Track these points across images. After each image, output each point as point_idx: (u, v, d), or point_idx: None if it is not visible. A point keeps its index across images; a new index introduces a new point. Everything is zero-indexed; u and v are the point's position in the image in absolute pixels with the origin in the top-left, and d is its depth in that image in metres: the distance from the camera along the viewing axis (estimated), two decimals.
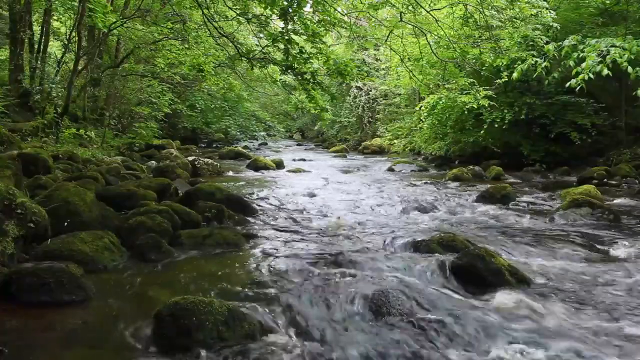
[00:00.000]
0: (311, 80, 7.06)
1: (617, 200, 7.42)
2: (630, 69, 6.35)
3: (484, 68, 10.40)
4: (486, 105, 10.67)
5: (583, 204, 6.14)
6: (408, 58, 9.74)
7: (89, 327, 2.67)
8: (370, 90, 24.81)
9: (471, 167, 11.39)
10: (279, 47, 6.90)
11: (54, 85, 11.12)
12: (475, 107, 11.20)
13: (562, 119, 12.08)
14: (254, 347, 2.48)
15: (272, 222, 5.69)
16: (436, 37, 9.04)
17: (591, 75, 6.37)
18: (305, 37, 6.84)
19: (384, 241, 4.70)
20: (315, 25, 6.75)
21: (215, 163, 11.78)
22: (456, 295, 3.30)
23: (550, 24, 7.61)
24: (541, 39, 7.87)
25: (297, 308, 2.92)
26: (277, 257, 4.12)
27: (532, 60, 7.64)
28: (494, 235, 5.11)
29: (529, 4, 7.25)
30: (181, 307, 2.53)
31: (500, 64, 8.64)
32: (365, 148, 22.35)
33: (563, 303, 3.16)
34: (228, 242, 4.41)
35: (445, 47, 10.36)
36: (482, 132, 12.55)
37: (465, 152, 13.94)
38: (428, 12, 7.79)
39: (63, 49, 13.04)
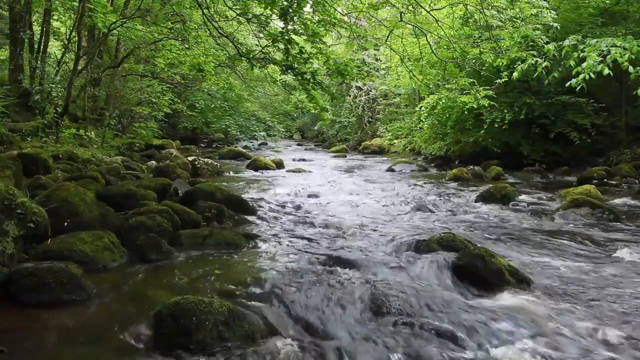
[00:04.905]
0: (311, 80, 7.05)
1: (617, 200, 7.42)
2: (631, 69, 6.34)
3: (484, 68, 10.39)
4: (486, 105, 10.67)
5: (583, 204, 6.14)
6: (408, 58, 9.73)
7: (89, 327, 2.67)
8: (370, 90, 24.81)
9: (471, 167, 11.38)
10: (279, 47, 6.89)
11: (54, 85, 11.09)
12: (475, 107, 11.20)
13: (562, 119, 12.09)
14: (254, 347, 2.48)
15: (272, 222, 5.68)
16: (436, 37, 9.03)
17: (592, 75, 6.36)
18: (305, 37, 6.83)
19: (384, 241, 4.70)
20: (315, 25, 6.73)
21: (215, 163, 11.77)
22: (456, 295, 3.30)
23: (551, 24, 7.60)
24: (541, 39, 7.86)
25: (297, 308, 2.92)
26: (277, 257, 4.12)
27: (532, 60, 7.63)
28: (494, 235, 5.11)
29: (529, 4, 7.24)
30: (181, 307, 2.53)
31: (500, 64, 8.61)
32: (365, 148, 22.35)
33: (563, 303, 3.16)
34: (228, 242, 4.41)
35: (445, 47, 10.35)
36: (482, 132, 12.56)
37: (465, 152, 13.94)
38: (428, 12, 7.77)
39: (63, 49, 13.02)
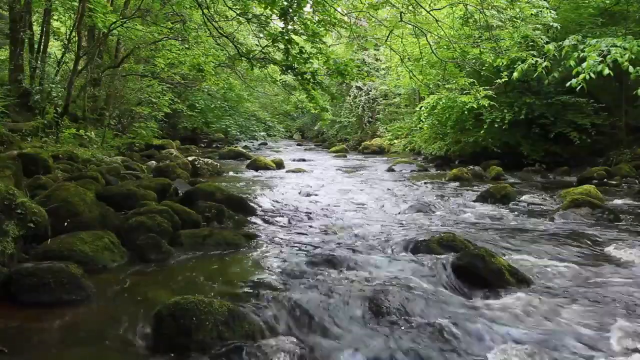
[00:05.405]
0: (311, 80, 7.04)
1: (617, 200, 7.42)
2: (631, 69, 6.34)
3: (484, 68, 10.39)
4: (486, 105, 10.66)
5: (583, 204, 6.14)
6: (408, 58, 9.72)
7: (89, 327, 2.67)
8: (370, 90, 24.81)
9: (471, 167, 11.38)
10: (279, 47, 6.89)
11: (54, 85, 11.08)
12: (475, 107, 11.20)
13: (562, 119, 12.09)
14: (254, 347, 2.48)
15: (272, 222, 5.69)
16: (436, 37, 9.02)
17: (592, 75, 6.36)
18: (305, 37, 6.83)
19: (384, 241, 4.70)
20: (315, 25, 6.73)
21: (215, 163, 11.78)
22: (456, 296, 3.30)
23: (551, 24, 7.59)
24: (541, 39, 7.85)
25: (297, 308, 2.92)
26: (277, 257, 4.12)
27: (532, 60, 7.63)
28: (494, 235, 5.11)
29: (529, 3, 7.23)
30: (181, 307, 2.53)
31: (500, 64, 8.61)
32: (365, 148, 22.36)
33: (563, 303, 3.16)
34: (228, 242, 4.42)
35: (445, 47, 10.35)
36: (482, 132, 12.56)
37: (465, 152, 13.95)
38: (428, 12, 7.77)
39: (63, 49, 13.02)
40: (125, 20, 10.46)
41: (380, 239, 4.79)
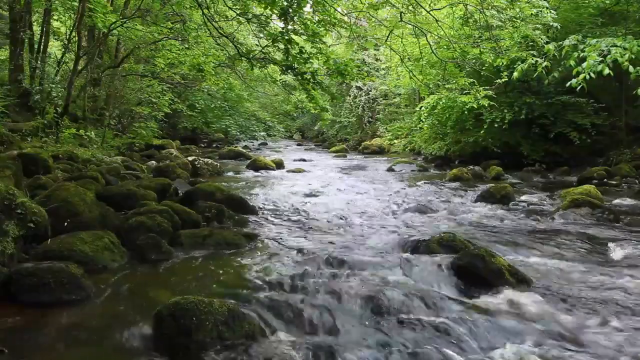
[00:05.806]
0: (311, 80, 7.05)
1: (617, 200, 7.41)
2: (631, 69, 6.34)
3: (484, 68, 10.39)
4: (486, 105, 10.66)
5: (583, 204, 6.14)
6: (408, 58, 9.73)
7: (89, 327, 2.67)
8: (370, 90, 24.81)
9: (471, 167, 11.38)
10: (279, 47, 6.89)
11: (54, 85, 11.08)
12: (475, 107, 11.20)
13: (562, 119, 12.09)
14: (254, 347, 2.48)
15: (272, 222, 5.69)
16: (436, 37, 9.02)
17: (592, 75, 6.36)
18: (305, 37, 6.83)
19: (384, 241, 4.70)
20: (315, 25, 6.73)
21: (215, 163, 11.78)
22: (456, 295, 3.30)
23: (551, 24, 7.59)
24: (541, 39, 7.85)
25: (297, 308, 2.92)
26: (276, 257, 4.12)
27: (532, 60, 7.62)
28: (494, 235, 5.11)
29: (529, 4, 7.23)
30: (181, 307, 2.53)
31: (500, 64, 8.60)
32: (365, 148, 22.35)
33: (563, 303, 3.16)
34: (228, 242, 4.42)
35: (445, 47, 10.35)
36: (482, 132, 12.56)
37: (465, 152, 13.94)
38: (428, 12, 7.77)
39: (63, 49, 13.02)
40: (125, 20, 10.46)
41: (380, 239, 4.79)
